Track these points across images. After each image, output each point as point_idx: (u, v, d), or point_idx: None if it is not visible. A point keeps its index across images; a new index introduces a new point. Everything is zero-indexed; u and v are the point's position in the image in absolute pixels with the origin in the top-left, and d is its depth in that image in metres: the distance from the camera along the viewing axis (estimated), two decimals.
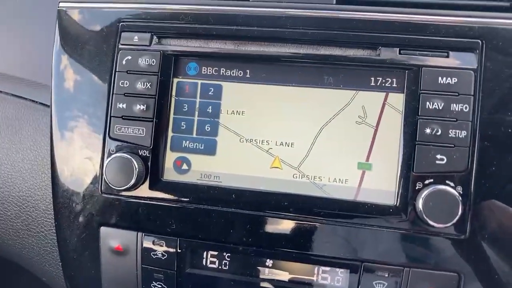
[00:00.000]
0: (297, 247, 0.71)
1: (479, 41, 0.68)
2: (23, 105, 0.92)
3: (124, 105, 0.75)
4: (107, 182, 0.73)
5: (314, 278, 0.72)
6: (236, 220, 0.72)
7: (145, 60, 0.75)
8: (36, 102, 0.93)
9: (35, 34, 1.04)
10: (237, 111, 0.74)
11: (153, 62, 0.75)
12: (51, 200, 0.80)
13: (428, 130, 0.67)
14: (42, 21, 1.02)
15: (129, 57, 0.76)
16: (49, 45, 0.81)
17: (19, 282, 1.31)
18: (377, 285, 0.70)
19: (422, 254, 0.68)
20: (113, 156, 0.73)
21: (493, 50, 0.68)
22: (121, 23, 0.77)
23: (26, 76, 1.01)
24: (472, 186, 0.67)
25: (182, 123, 0.75)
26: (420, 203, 0.66)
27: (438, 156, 0.67)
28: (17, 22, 1.06)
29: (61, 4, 0.80)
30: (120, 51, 0.76)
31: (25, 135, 0.89)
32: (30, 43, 1.03)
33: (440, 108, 0.67)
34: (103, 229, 0.77)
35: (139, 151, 0.74)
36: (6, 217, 0.89)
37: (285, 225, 0.71)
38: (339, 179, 0.71)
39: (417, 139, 0.68)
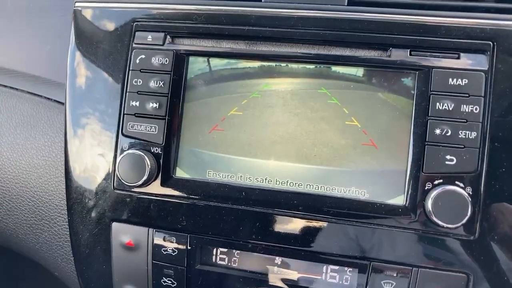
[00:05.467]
0: (306, 245, 0.72)
1: (490, 43, 0.68)
2: (38, 102, 0.94)
3: (137, 103, 0.76)
4: (120, 178, 0.74)
5: (323, 277, 0.73)
6: (246, 217, 0.73)
7: (158, 59, 0.76)
8: (51, 99, 0.94)
9: (50, 32, 1.06)
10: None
11: (166, 61, 0.76)
12: (64, 195, 0.82)
13: (438, 131, 0.68)
14: (59, 20, 1.04)
15: (143, 56, 0.77)
16: (64, 44, 0.83)
17: (31, 276, 1.33)
18: (386, 284, 0.70)
19: (430, 254, 0.68)
20: (125, 152, 0.74)
21: (504, 52, 0.68)
22: (135, 23, 0.78)
23: (41, 74, 1.03)
24: (482, 187, 0.67)
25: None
26: (429, 204, 0.66)
27: (448, 157, 0.67)
28: (33, 20, 1.08)
29: (77, 4, 0.82)
30: (134, 50, 0.77)
31: (40, 132, 0.91)
32: (46, 41, 1.05)
33: (450, 109, 0.68)
34: (114, 225, 0.78)
35: (151, 148, 0.75)
36: (20, 211, 0.91)
37: (295, 224, 0.72)
38: None
39: (427, 140, 0.68)
